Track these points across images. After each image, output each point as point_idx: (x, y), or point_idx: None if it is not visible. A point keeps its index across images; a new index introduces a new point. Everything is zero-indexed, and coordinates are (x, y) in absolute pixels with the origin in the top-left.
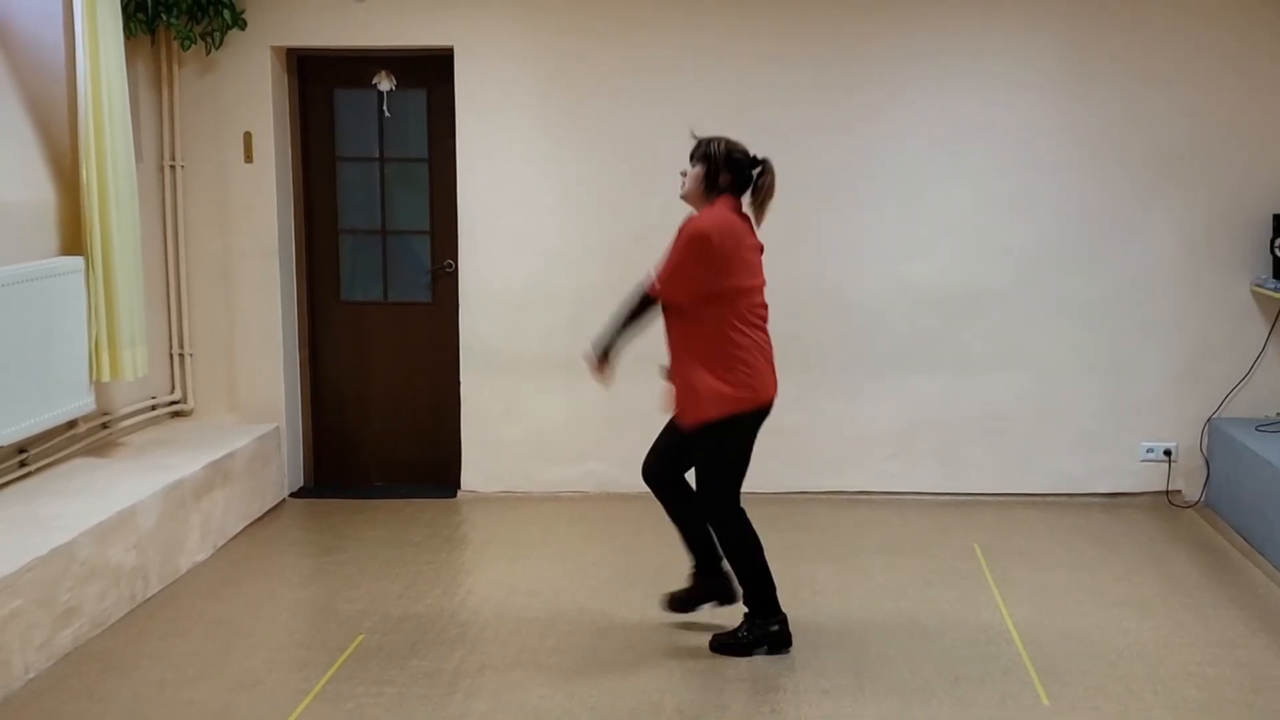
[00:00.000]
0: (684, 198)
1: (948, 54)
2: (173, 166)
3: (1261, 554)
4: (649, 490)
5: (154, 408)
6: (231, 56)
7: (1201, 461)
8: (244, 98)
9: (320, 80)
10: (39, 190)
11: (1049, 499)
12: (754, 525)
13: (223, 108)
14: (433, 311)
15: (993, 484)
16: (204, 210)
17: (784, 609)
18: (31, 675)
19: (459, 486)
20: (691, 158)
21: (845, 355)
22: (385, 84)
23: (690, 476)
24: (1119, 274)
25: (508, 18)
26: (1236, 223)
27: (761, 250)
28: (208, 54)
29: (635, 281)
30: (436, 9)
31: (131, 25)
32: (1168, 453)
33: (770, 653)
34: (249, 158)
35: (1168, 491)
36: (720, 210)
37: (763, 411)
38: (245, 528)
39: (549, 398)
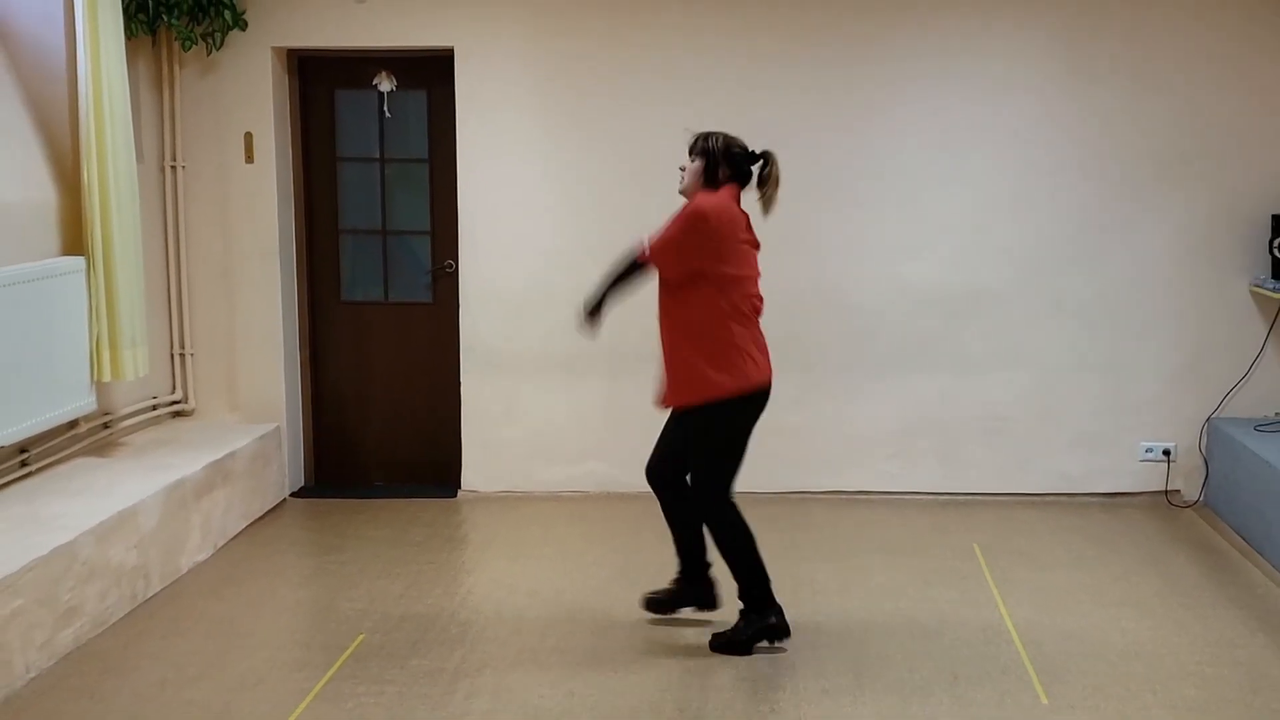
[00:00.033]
0: (683, 193)
1: (947, 54)
2: (174, 167)
3: (1260, 554)
4: (649, 490)
5: (155, 408)
6: (232, 57)
7: (1200, 461)
8: (245, 98)
9: (321, 81)
10: (40, 190)
11: (1048, 499)
12: (754, 525)
13: (223, 108)
14: (433, 311)
15: (992, 484)
16: (205, 210)
17: (784, 609)
18: (33, 675)
19: (459, 486)
20: (690, 152)
21: (845, 355)
22: (386, 84)
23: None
24: (1118, 274)
25: (508, 18)
26: (1235, 223)
27: (758, 246)
28: (209, 54)
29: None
30: (437, 10)
31: (132, 26)
32: (1167, 453)
33: (771, 643)
34: (250, 158)
35: (1167, 491)
36: (722, 196)
37: (755, 400)
38: (246, 527)
39: (549, 398)
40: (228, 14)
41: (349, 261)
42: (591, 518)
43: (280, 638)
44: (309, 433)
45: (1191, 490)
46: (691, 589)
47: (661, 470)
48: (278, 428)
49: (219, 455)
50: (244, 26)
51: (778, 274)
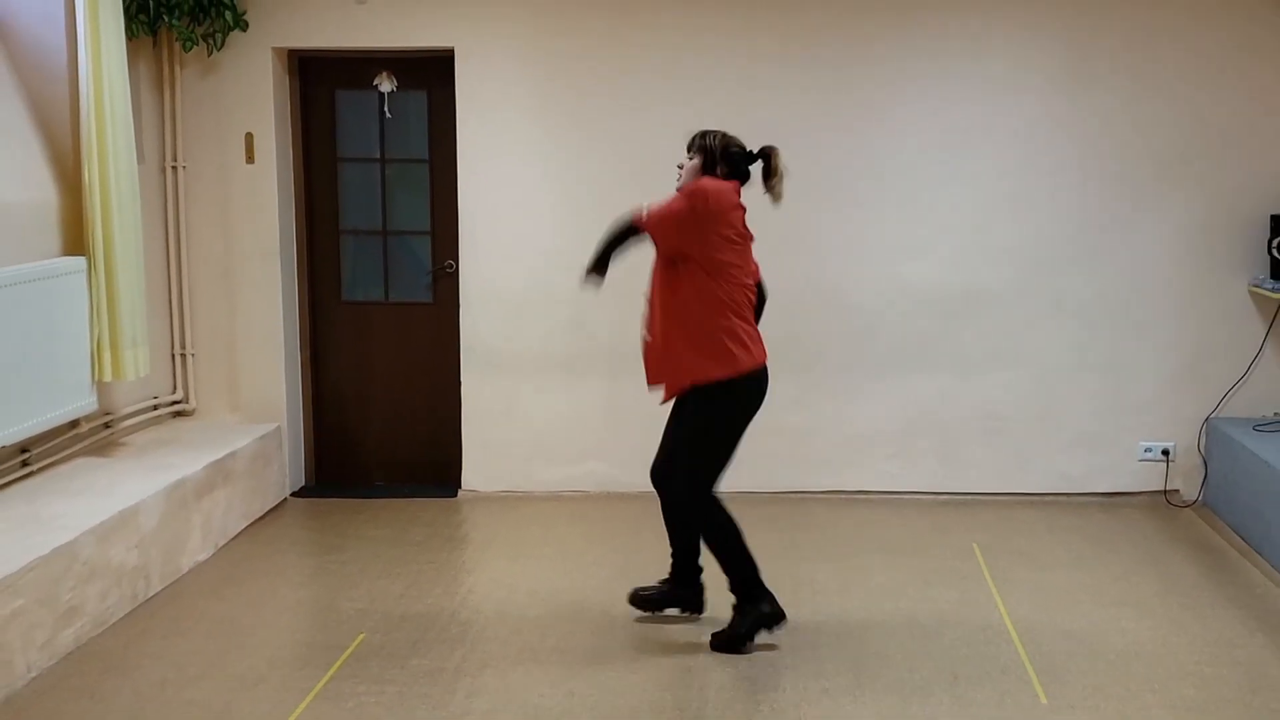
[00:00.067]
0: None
1: (947, 55)
2: (174, 167)
3: (1259, 553)
4: (649, 489)
5: (156, 407)
6: (233, 58)
7: (1199, 461)
8: (245, 99)
9: (321, 81)
10: (41, 191)
11: (1048, 499)
12: (754, 525)
13: (224, 109)
14: (433, 312)
15: (992, 484)
16: (206, 211)
17: (784, 608)
18: (34, 674)
19: (460, 486)
20: (688, 149)
21: (845, 355)
22: (386, 85)
23: None
24: (1118, 274)
25: (508, 19)
26: (1234, 223)
27: (751, 239)
28: (209, 55)
29: (635, 284)
30: (437, 10)
31: (133, 26)
32: (1166, 452)
33: (770, 630)
34: (250, 158)
35: (1166, 491)
36: (725, 184)
37: (748, 387)
38: (247, 527)
39: (549, 398)
40: (228, 15)
41: (350, 262)
42: (591, 517)
43: (281, 637)
44: (309, 433)
45: (1190, 490)
46: (680, 590)
47: (667, 469)
48: (278, 428)
49: (220, 455)
50: (245, 27)
51: (778, 274)
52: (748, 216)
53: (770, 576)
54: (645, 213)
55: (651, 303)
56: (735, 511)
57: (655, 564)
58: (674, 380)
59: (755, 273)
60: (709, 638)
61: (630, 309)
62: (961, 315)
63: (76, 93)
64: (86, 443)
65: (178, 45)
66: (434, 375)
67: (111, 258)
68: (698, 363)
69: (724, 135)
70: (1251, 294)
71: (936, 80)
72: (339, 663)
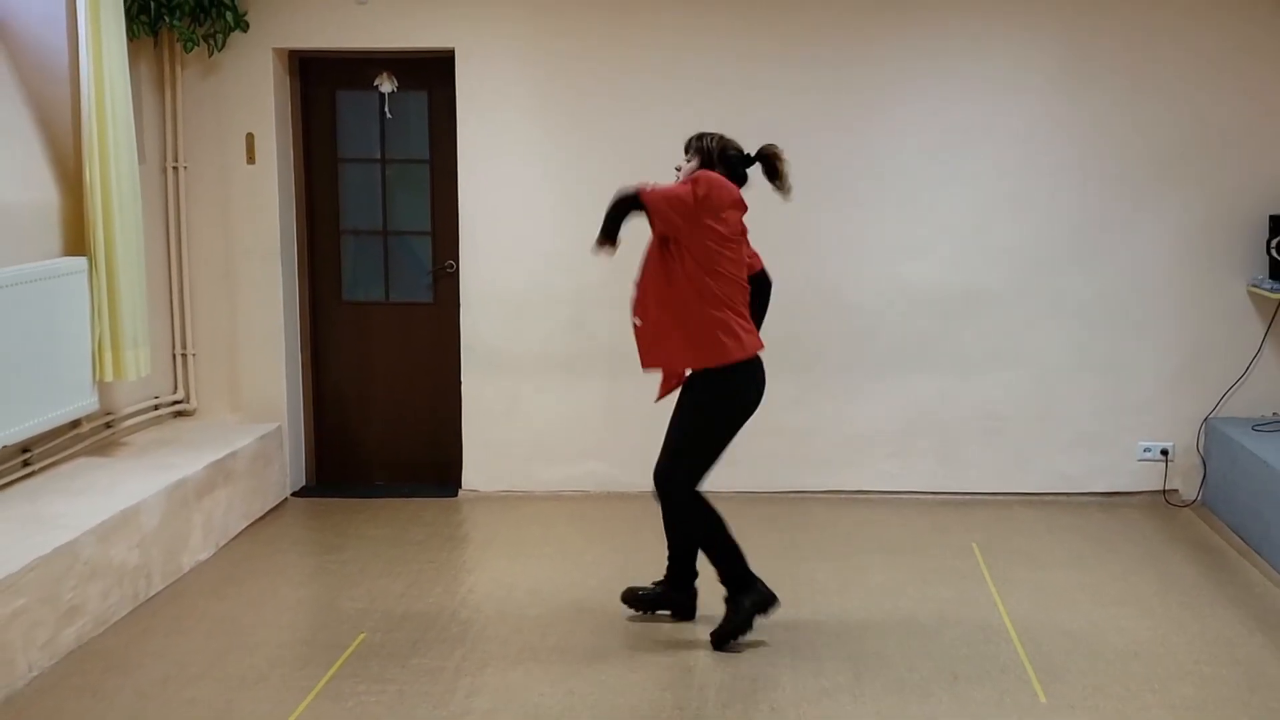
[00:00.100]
0: None
1: (947, 55)
2: (175, 168)
3: (1258, 553)
4: (649, 489)
5: (157, 407)
6: (234, 58)
7: (1198, 461)
8: (246, 99)
9: (322, 82)
10: (42, 191)
11: (1047, 498)
12: (754, 525)
13: (225, 109)
14: (434, 312)
15: (991, 483)
16: (206, 211)
17: (784, 607)
18: (35, 673)
19: (460, 486)
20: (686, 151)
21: (844, 355)
22: (387, 85)
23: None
24: (1117, 274)
25: (509, 19)
26: (1233, 223)
27: (745, 232)
28: (210, 56)
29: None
30: (438, 11)
31: (134, 27)
32: (1165, 452)
33: (765, 614)
34: (251, 159)
35: (1165, 491)
36: (727, 181)
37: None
38: (247, 527)
39: (549, 398)
40: (229, 15)
41: (350, 262)
42: (592, 517)
43: (282, 636)
44: (310, 432)
45: (1189, 490)
46: (674, 595)
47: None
48: (279, 427)
49: (220, 455)
50: (245, 28)
51: (778, 274)
52: (748, 216)
53: (770, 576)
54: (650, 187)
55: (642, 288)
56: (734, 511)
57: (655, 564)
58: (666, 363)
59: (755, 263)
60: (710, 638)
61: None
62: (961, 315)
63: (78, 93)
64: (88, 442)
65: (179, 46)
66: (434, 375)
67: (113, 258)
68: (689, 351)
69: (721, 137)
70: (1250, 294)
71: (936, 80)
72: (340, 662)
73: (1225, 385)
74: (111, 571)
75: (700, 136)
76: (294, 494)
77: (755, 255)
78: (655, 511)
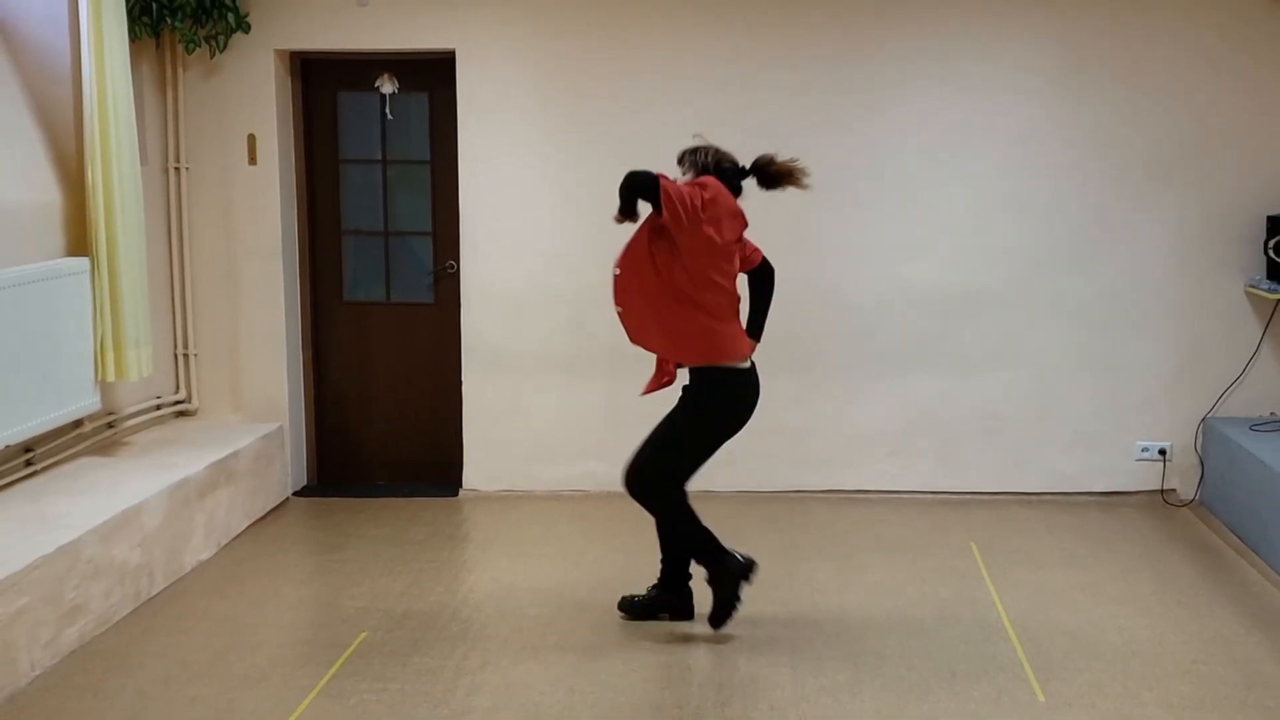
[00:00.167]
0: None
1: (947, 56)
2: (177, 168)
3: (1255, 552)
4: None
5: (159, 407)
6: (235, 59)
7: (1196, 461)
8: (248, 100)
9: (323, 83)
10: (45, 192)
11: (1045, 498)
12: (753, 525)
13: (227, 110)
14: (435, 312)
15: (990, 483)
16: (208, 212)
17: (784, 606)
18: (37, 673)
19: (461, 485)
20: (680, 164)
21: (844, 355)
22: (388, 87)
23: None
24: (1115, 275)
25: (509, 21)
26: (1231, 224)
27: (739, 241)
28: (212, 57)
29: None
30: (438, 12)
31: (136, 28)
32: (1163, 452)
33: (749, 581)
34: (253, 160)
35: (1163, 490)
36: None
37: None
38: (249, 526)
39: (550, 398)
40: (231, 17)
41: (351, 262)
42: (592, 516)
43: (283, 635)
44: (311, 432)
45: (1187, 489)
46: (669, 597)
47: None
48: (280, 427)
49: (222, 455)
50: (247, 29)
51: (778, 274)
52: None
53: (770, 575)
54: (668, 177)
55: (624, 277)
56: (734, 510)
57: (655, 562)
58: (649, 347)
59: (755, 257)
60: (708, 622)
61: None
62: (961, 315)
63: (80, 94)
64: (90, 442)
65: (180, 47)
66: (435, 375)
67: (115, 258)
68: (669, 345)
69: (716, 150)
70: (1248, 294)
71: (936, 81)
72: (341, 661)
73: (1223, 385)
74: (113, 571)
75: (694, 150)
76: (295, 493)
77: (756, 250)
78: None
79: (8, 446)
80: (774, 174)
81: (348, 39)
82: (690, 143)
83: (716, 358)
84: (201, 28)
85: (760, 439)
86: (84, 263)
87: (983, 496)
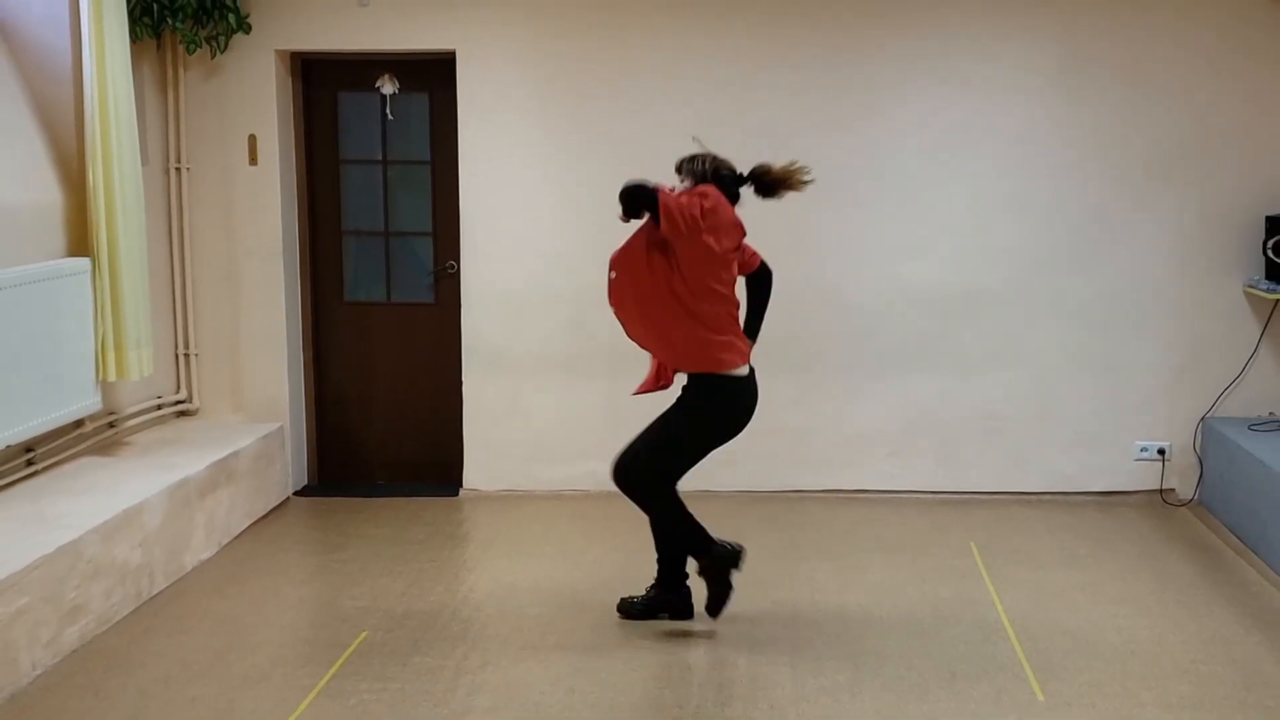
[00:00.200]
0: None
1: (947, 57)
2: (178, 169)
3: (1254, 552)
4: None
5: (159, 407)
6: (236, 60)
7: (1195, 460)
8: (249, 101)
9: (324, 83)
10: (46, 192)
11: (1045, 498)
12: (753, 525)
13: (228, 111)
14: (435, 312)
15: (989, 483)
16: (209, 212)
17: (784, 606)
18: (38, 672)
19: (461, 485)
20: (677, 172)
21: (844, 355)
22: (388, 87)
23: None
24: (1115, 275)
25: (509, 21)
26: (1230, 224)
27: (737, 249)
28: (213, 58)
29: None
30: (439, 13)
31: (137, 29)
32: (1162, 452)
33: (739, 567)
34: (254, 160)
35: (1162, 490)
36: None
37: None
38: (249, 526)
39: (550, 398)
40: (231, 17)
41: (352, 262)
42: (592, 516)
43: (283, 635)
44: (312, 432)
45: (1186, 489)
46: (669, 597)
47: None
48: (281, 427)
49: (223, 454)
50: (248, 30)
51: (778, 274)
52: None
53: (770, 575)
54: (667, 188)
55: (620, 280)
56: (734, 510)
57: (654, 562)
58: (645, 346)
59: (753, 261)
60: (706, 610)
61: None
62: (961, 315)
63: (81, 95)
64: (91, 442)
65: (181, 48)
66: (436, 375)
67: (115, 258)
68: (665, 351)
69: (714, 158)
70: (1247, 294)
71: (936, 81)
72: (341, 660)
73: (1222, 385)
74: (114, 570)
75: (692, 159)
76: (296, 493)
77: (755, 255)
78: None
79: (9, 446)
80: (771, 183)
81: (348, 39)
82: (688, 145)
83: (713, 367)
84: (202, 28)
85: (760, 439)
86: (85, 263)
87: (982, 496)
